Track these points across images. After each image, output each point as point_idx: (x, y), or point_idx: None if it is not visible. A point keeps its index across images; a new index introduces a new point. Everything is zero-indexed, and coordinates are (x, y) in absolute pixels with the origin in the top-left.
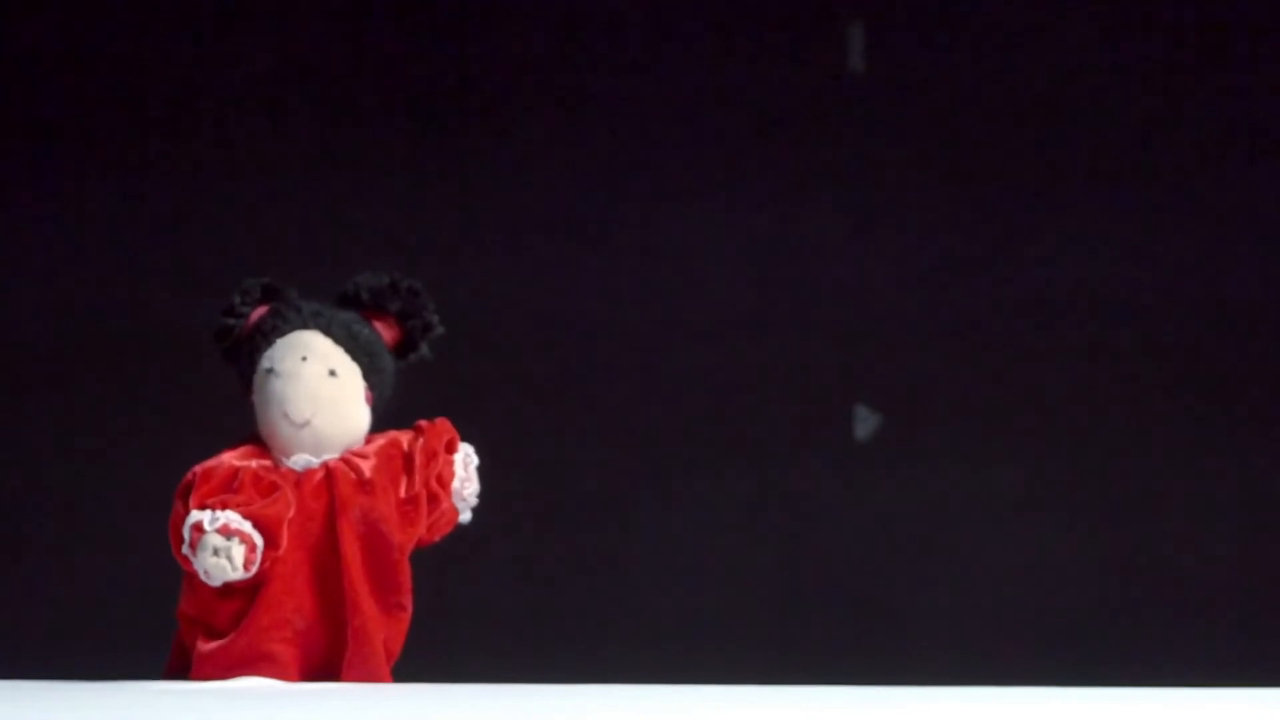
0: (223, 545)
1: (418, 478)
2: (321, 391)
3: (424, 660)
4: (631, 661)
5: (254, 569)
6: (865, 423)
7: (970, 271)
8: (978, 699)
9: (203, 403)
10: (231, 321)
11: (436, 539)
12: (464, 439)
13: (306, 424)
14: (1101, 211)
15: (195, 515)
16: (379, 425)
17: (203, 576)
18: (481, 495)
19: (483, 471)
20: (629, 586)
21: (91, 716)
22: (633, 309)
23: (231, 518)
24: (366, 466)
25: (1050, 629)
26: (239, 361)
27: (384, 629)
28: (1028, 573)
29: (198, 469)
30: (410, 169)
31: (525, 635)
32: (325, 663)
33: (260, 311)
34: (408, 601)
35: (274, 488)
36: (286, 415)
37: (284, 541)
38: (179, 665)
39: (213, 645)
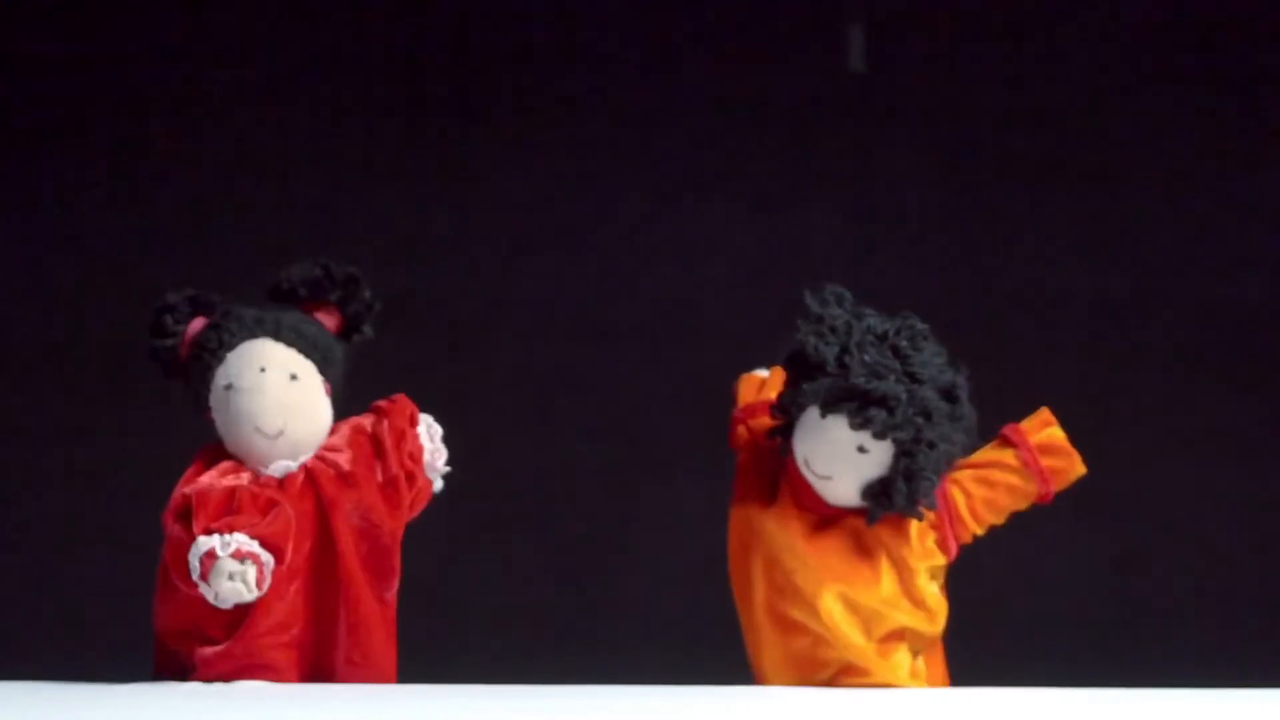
0: (237, 570)
1: (392, 459)
2: (288, 399)
3: (424, 660)
4: (631, 661)
5: (264, 588)
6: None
7: (970, 271)
8: (978, 699)
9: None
10: (168, 342)
11: (417, 514)
12: (464, 439)
13: (280, 434)
14: (1101, 211)
15: (205, 542)
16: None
17: (213, 600)
18: (481, 494)
19: (482, 471)
20: (629, 586)
21: (91, 716)
22: (633, 309)
23: (242, 540)
24: (343, 460)
25: (1050, 629)
26: (189, 379)
27: (383, 622)
28: (1027, 572)
29: (189, 491)
30: (410, 169)
31: (525, 635)
32: (322, 662)
33: (196, 326)
34: (395, 586)
35: (272, 504)
36: (259, 429)
37: (289, 556)
38: (167, 676)
39: (211, 651)
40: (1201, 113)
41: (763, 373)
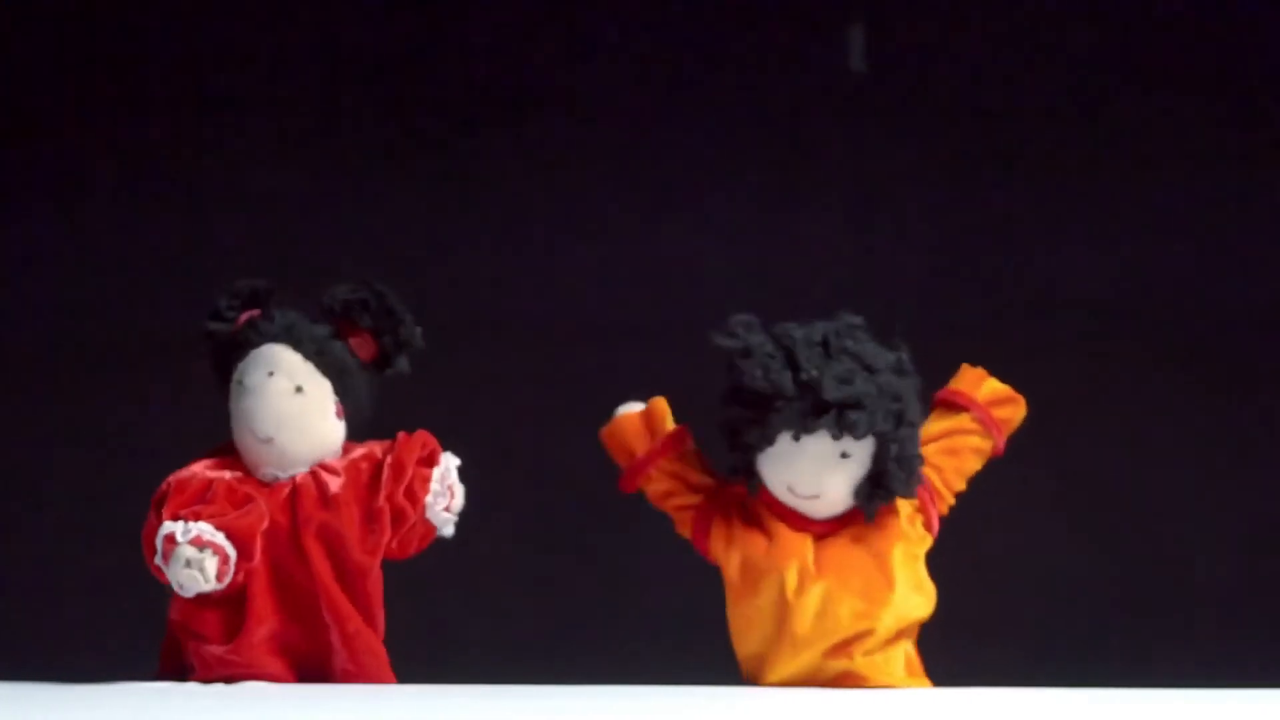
0: (195, 557)
1: (382, 493)
2: (285, 408)
3: (424, 660)
4: (632, 661)
5: (226, 580)
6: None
7: (970, 272)
8: (977, 699)
9: (205, 402)
10: (220, 326)
11: (411, 554)
12: (463, 439)
13: (270, 440)
14: (1101, 211)
15: (168, 526)
16: (362, 433)
17: (175, 588)
18: (481, 495)
19: (481, 471)
20: (629, 586)
21: (91, 716)
22: (633, 309)
23: (204, 529)
24: (334, 483)
25: (1050, 629)
26: (219, 369)
27: (372, 641)
28: (1027, 573)
29: (172, 479)
30: (411, 169)
31: (525, 635)
32: (320, 672)
33: (246, 316)
34: (376, 619)
35: (247, 499)
36: (251, 430)
37: (257, 553)
38: (170, 670)
39: (210, 655)
40: (1201, 113)
41: (635, 406)
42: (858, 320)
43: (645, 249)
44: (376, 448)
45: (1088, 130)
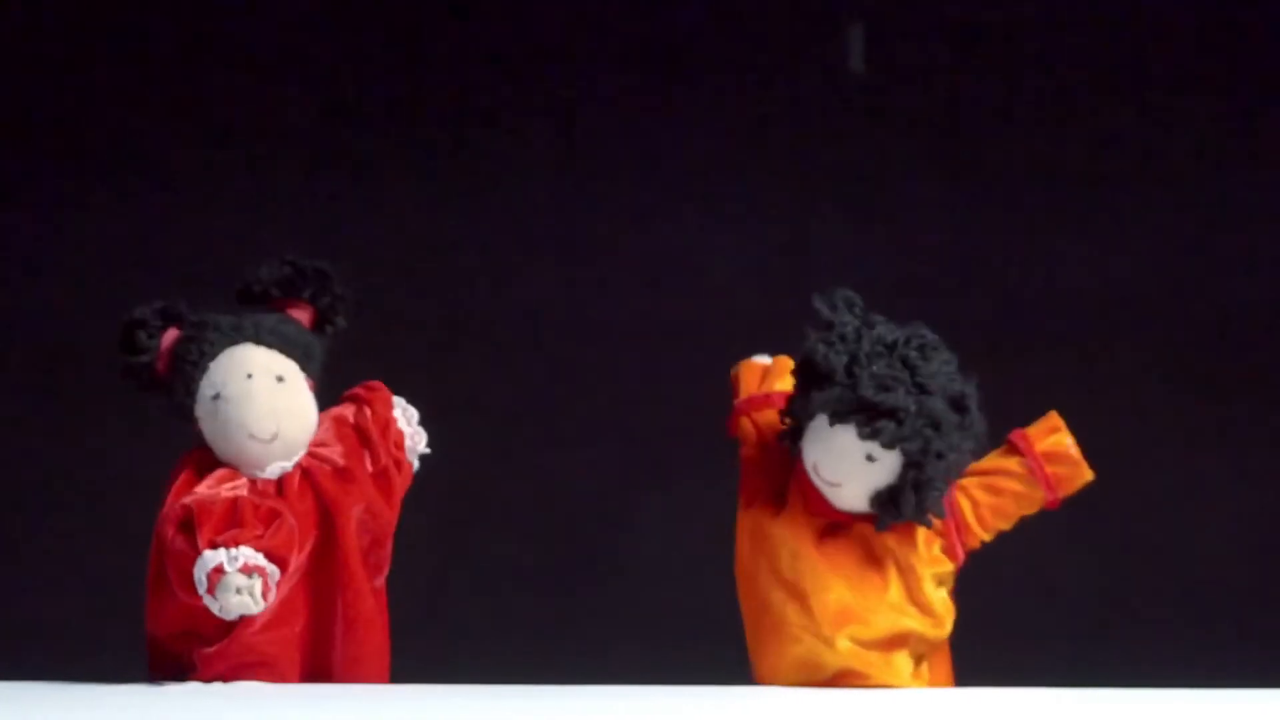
0: (245, 584)
1: (380, 450)
2: (278, 402)
3: (423, 660)
4: (631, 661)
5: (270, 600)
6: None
7: (971, 271)
8: (976, 699)
9: None
10: (144, 358)
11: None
12: (464, 439)
13: (275, 437)
14: (1101, 211)
15: (212, 557)
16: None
17: (218, 613)
18: (481, 495)
19: (482, 471)
20: (629, 586)
21: (91, 716)
22: (633, 309)
23: (248, 554)
24: (336, 456)
25: (1050, 629)
26: (171, 392)
27: (379, 615)
28: (1027, 572)
29: (190, 503)
30: (411, 170)
31: (526, 636)
32: (320, 657)
33: (169, 338)
34: (385, 574)
35: (274, 514)
36: (253, 435)
37: (293, 565)
38: (164, 676)
39: (209, 650)
40: (1201, 113)
41: (764, 359)
42: (934, 338)
43: (646, 249)
44: (344, 411)
45: (1087, 130)
